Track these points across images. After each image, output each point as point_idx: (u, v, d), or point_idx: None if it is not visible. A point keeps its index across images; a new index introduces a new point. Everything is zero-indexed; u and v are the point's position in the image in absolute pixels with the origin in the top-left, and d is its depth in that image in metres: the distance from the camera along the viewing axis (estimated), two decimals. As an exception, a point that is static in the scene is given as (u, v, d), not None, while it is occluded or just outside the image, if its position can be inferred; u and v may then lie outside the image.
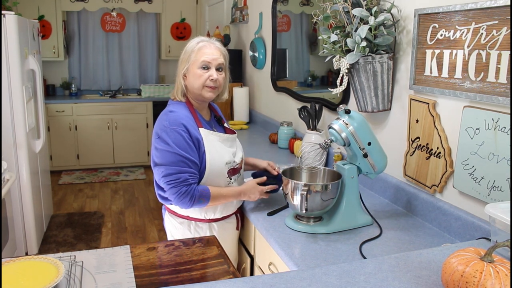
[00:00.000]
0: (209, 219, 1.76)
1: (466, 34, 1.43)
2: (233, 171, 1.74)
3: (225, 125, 1.88)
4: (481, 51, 1.38)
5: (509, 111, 1.31)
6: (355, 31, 1.75)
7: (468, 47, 1.43)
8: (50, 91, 5.58)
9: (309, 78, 2.93)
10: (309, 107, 2.42)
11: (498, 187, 1.36)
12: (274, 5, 3.19)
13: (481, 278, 0.85)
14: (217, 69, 1.68)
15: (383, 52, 1.77)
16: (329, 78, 2.66)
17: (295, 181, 1.53)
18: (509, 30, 1.28)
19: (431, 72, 1.60)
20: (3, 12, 2.90)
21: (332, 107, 2.42)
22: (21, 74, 3.01)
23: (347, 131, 1.54)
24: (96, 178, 5.25)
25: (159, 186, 1.69)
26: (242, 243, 1.97)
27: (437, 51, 1.56)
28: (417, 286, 1.00)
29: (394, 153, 1.85)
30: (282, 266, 1.47)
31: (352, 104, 2.18)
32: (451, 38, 1.50)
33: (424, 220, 1.67)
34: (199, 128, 1.67)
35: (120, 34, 5.85)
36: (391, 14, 1.76)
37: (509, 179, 1.32)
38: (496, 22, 1.33)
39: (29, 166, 3.14)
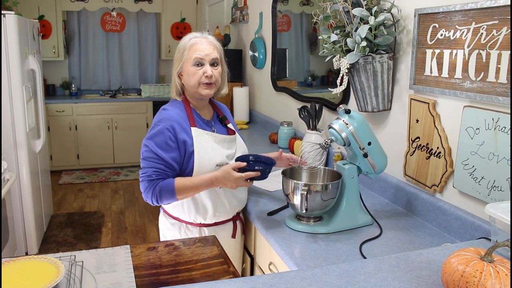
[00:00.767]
0: (200, 224, 1.71)
1: (466, 34, 1.43)
2: None
3: (229, 125, 1.80)
4: (481, 51, 1.38)
5: (509, 111, 1.31)
6: (355, 31, 1.75)
7: (468, 47, 1.43)
8: (50, 91, 5.58)
9: (309, 78, 2.93)
10: (309, 107, 2.42)
11: (498, 187, 1.36)
12: (274, 5, 3.19)
13: (481, 278, 0.85)
14: (212, 64, 1.63)
15: (383, 52, 1.77)
16: (329, 78, 2.66)
17: (295, 181, 1.53)
18: (509, 30, 1.28)
19: (431, 72, 1.60)
20: (3, 12, 2.90)
21: (332, 107, 2.42)
22: (21, 74, 3.01)
23: (347, 131, 1.54)
24: (96, 178, 5.25)
25: None
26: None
27: (437, 51, 1.56)
28: (417, 286, 1.00)
29: (394, 153, 1.85)
30: (282, 266, 1.47)
31: (352, 104, 2.18)
32: (451, 38, 1.50)
33: (424, 220, 1.67)
34: (192, 128, 1.63)
35: (120, 34, 5.85)
36: (391, 14, 1.76)
37: (509, 179, 1.32)
38: (496, 22, 1.33)
39: (29, 166, 3.14)
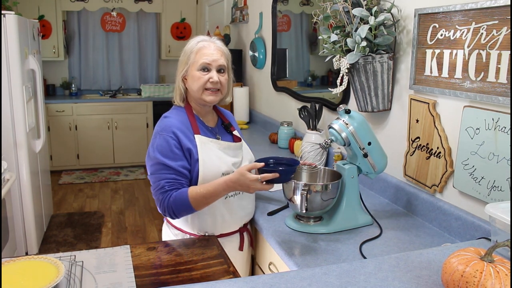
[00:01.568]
0: (204, 235, 1.61)
1: (466, 34, 1.43)
2: None
3: (235, 132, 1.73)
4: (481, 51, 1.38)
5: (509, 111, 1.31)
6: (355, 31, 1.75)
7: (468, 47, 1.43)
8: (50, 91, 5.58)
9: (309, 78, 2.93)
10: (309, 107, 2.42)
11: (498, 187, 1.36)
12: (274, 5, 3.19)
13: (481, 278, 0.85)
14: (218, 71, 1.57)
15: (383, 52, 1.77)
16: (329, 78, 2.66)
17: (295, 181, 1.53)
18: (509, 30, 1.28)
19: (431, 72, 1.60)
20: (3, 12, 2.90)
21: (332, 107, 2.42)
22: (21, 74, 3.01)
23: (347, 131, 1.54)
24: (96, 178, 5.25)
25: None
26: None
27: (437, 51, 1.56)
28: (417, 286, 1.00)
29: (394, 153, 1.85)
30: (282, 266, 1.47)
31: (352, 104, 2.18)
32: (451, 38, 1.50)
33: (424, 220, 1.67)
34: (195, 135, 1.56)
35: (120, 34, 5.85)
36: (391, 14, 1.76)
37: (509, 179, 1.32)
38: (496, 22, 1.32)
39: (29, 166, 3.14)
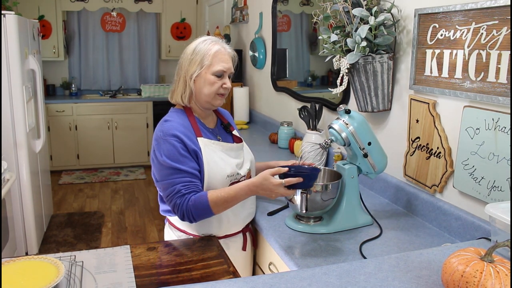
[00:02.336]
0: (208, 236, 1.60)
1: (466, 34, 1.43)
2: None
3: (234, 132, 1.72)
4: (481, 51, 1.38)
5: (509, 111, 1.31)
6: (355, 31, 1.75)
7: (468, 47, 1.43)
8: (50, 91, 5.58)
9: (309, 78, 2.93)
10: (309, 107, 2.42)
11: (498, 187, 1.36)
12: (274, 5, 3.19)
13: (481, 278, 0.85)
14: (228, 77, 1.59)
15: (383, 52, 1.77)
16: (329, 78, 2.66)
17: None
18: (509, 30, 1.28)
19: (431, 72, 1.60)
20: (3, 12, 2.90)
21: (332, 107, 2.42)
22: (21, 74, 3.01)
23: (347, 131, 1.54)
24: (96, 178, 5.25)
25: (162, 199, 1.63)
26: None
27: (437, 51, 1.56)
28: (417, 286, 1.00)
29: (394, 153, 1.85)
30: (282, 266, 1.47)
31: (352, 104, 2.18)
32: (451, 38, 1.50)
33: (424, 220, 1.67)
34: (198, 138, 1.54)
35: (120, 34, 5.85)
36: (391, 14, 1.76)
37: (509, 179, 1.32)
38: (496, 22, 1.32)
39: (29, 166, 3.14)
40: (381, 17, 1.70)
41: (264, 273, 1.68)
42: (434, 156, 1.63)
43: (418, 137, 1.71)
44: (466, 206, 1.51)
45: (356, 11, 1.73)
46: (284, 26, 3.17)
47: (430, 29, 1.59)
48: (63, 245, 3.50)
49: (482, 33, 1.37)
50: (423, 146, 1.68)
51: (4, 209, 2.70)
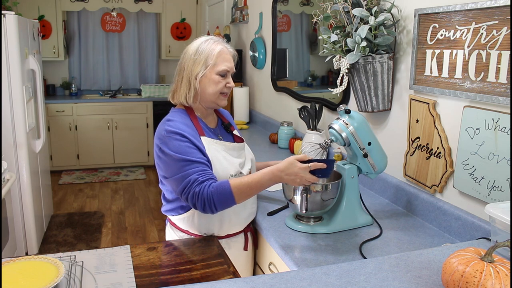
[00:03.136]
0: (209, 236, 1.60)
1: (466, 34, 1.43)
2: None
3: (235, 132, 1.72)
4: (481, 51, 1.38)
5: (509, 111, 1.31)
6: (355, 31, 1.75)
7: (468, 47, 1.43)
8: (50, 91, 5.59)
9: (309, 78, 2.93)
10: (309, 107, 2.42)
11: (498, 187, 1.36)
12: (274, 5, 3.19)
13: (481, 278, 0.85)
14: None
15: (383, 52, 1.77)
16: (329, 78, 2.66)
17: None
18: (509, 30, 1.28)
19: (431, 72, 1.60)
20: (3, 12, 2.90)
21: (332, 107, 2.42)
22: (21, 74, 3.01)
23: (347, 131, 1.54)
24: (96, 178, 5.25)
25: (165, 198, 1.63)
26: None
27: (437, 51, 1.56)
28: (417, 286, 1.00)
29: (394, 153, 1.85)
30: (282, 266, 1.47)
31: (352, 104, 2.18)
32: (451, 38, 1.50)
33: (424, 220, 1.67)
34: (201, 137, 1.53)
35: (120, 34, 5.85)
36: (391, 14, 1.76)
37: (509, 179, 1.32)
38: (496, 22, 1.33)
39: (29, 166, 3.14)
40: (381, 17, 1.70)
41: (264, 273, 1.68)
42: (434, 156, 1.63)
43: (418, 137, 1.71)
44: (466, 206, 1.51)
45: (356, 11, 1.73)
46: (284, 26, 3.17)
47: (430, 29, 1.59)
48: (63, 245, 3.50)
49: (482, 33, 1.37)
50: (423, 146, 1.68)
51: (4, 209, 2.70)
